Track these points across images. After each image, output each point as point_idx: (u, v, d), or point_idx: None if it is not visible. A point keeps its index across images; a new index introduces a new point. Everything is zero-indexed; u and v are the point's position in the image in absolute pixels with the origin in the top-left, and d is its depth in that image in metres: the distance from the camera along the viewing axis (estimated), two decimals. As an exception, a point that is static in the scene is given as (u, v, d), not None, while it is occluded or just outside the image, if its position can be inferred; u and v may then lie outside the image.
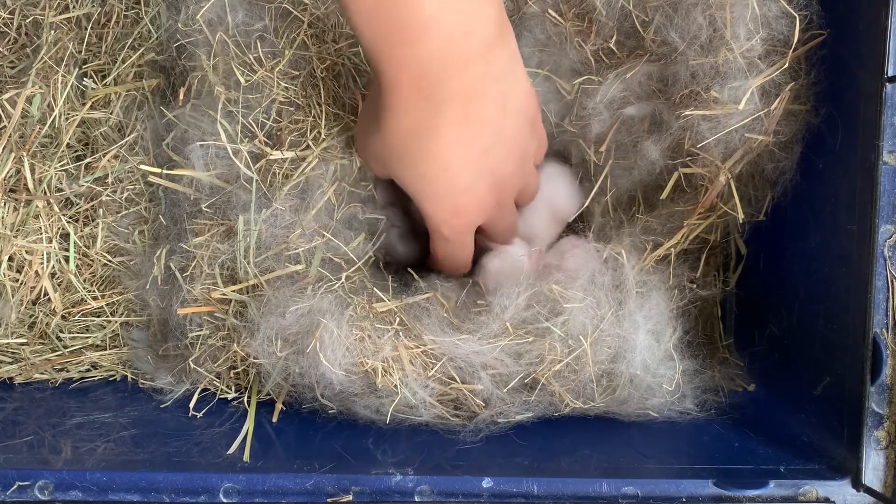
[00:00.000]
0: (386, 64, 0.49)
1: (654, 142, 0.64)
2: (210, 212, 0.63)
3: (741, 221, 0.61)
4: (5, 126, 0.68)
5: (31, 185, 0.68)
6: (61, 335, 0.69)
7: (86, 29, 0.71)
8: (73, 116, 0.69)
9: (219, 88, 0.62)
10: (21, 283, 0.68)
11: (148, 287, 0.67)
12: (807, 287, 0.60)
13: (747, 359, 0.68)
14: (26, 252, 0.68)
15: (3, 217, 0.68)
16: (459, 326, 0.57)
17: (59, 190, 0.69)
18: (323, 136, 0.62)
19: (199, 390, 0.64)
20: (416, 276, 0.63)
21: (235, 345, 0.60)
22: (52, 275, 0.69)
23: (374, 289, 0.60)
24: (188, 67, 0.65)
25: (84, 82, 0.70)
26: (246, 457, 0.55)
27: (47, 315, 0.69)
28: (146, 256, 0.68)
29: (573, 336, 0.56)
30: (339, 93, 0.64)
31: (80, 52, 0.70)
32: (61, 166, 0.69)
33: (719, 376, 0.65)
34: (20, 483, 0.52)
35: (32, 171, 0.68)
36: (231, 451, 0.56)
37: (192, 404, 0.63)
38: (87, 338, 0.70)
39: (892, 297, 0.52)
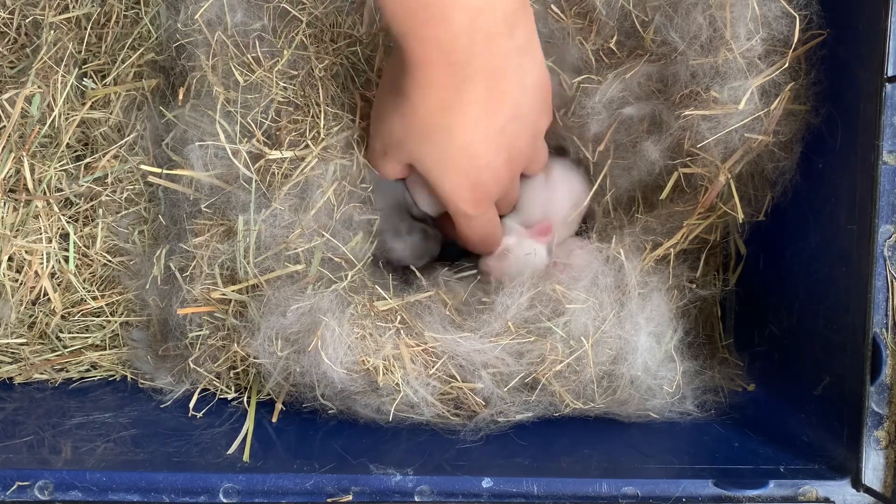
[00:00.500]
0: (414, 41, 0.50)
1: (653, 142, 0.64)
2: (210, 212, 0.63)
3: (741, 221, 0.61)
4: (5, 126, 0.68)
5: (30, 185, 0.68)
6: (61, 335, 0.69)
7: (85, 29, 0.71)
8: (72, 116, 0.69)
9: (218, 89, 0.62)
10: (21, 283, 0.68)
11: (148, 287, 0.67)
12: (807, 287, 0.60)
13: (747, 359, 0.68)
14: (26, 252, 0.68)
15: (2, 217, 0.68)
16: (461, 324, 0.57)
17: (59, 190, 0.69)
18: (322, 135, 0.62)
19: (198, 390, 0.64)
20: (418, 274, 0.63)
21: (235, 345, 0.60)
22: (52, 275, 0.69)
23: (376, 287, 0.60)
24: (187, 67, 0.65)
25: (84, 82, 0.70)
26: (246, 457, 0.55)
27: (47, 315, 0.69)
28: (146, 256, 0.68)
29: (575, 337, 0.56)
30: (338, 92, 0.64)
31: (79, 52, 0.70)
32: (61, 166, 0.69)
33: (719, 376, 0.65)
34: (20, 483, 0.52)
35: (32, 171, 0.68)
36: (231, 451, 0.56)
37: (191, 404, 0.63)
38: (86, 338, 0.70)
39: (892, 297, 0.52)
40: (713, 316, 0.71)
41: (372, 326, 0.56)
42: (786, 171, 0.61)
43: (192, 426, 0.60)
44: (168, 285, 0.65)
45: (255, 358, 0.59)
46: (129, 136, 0.69)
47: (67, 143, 0.69)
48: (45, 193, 0.68)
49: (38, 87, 0.69)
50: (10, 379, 0.69)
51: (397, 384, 0.56)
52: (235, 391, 0.64)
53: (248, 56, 0.63)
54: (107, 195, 0.69)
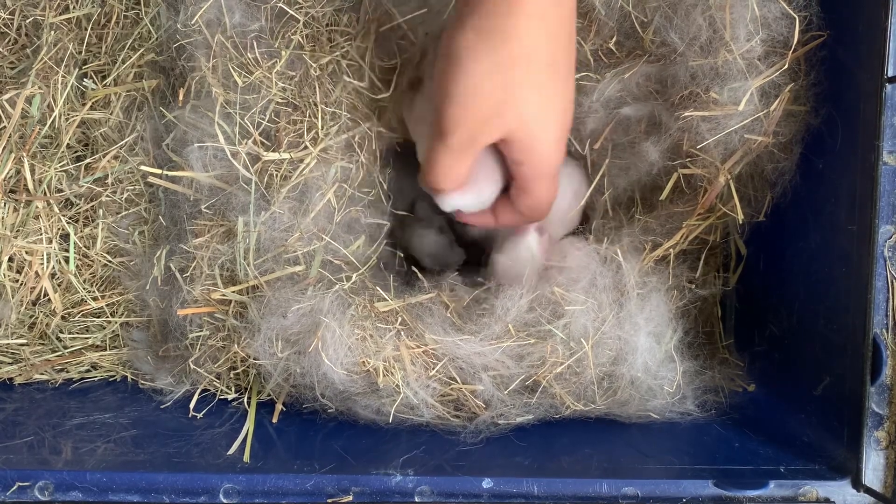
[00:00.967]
0: None
1: (652, 143, 0.64)
2: (210, 213, 0.63)
3: (741, 222, 0.62)
4: (5, 126, 0.68)
5: (31, 186, 0.68)
6: (61, 336, 0.69)
7: (86, 29, 0.71)
8: (72, 117, 0.69)
9: (217, 90, 0.62)
10: (21, 284, 0.68)
11: (148, 288, 0.67)
12: (807, 287, 0.60)
13: (747, 359, 0.68)
14: (26, 252, 0.68)
15: (3, 218, 0.68)
16: (462, 327, 0.57)
17: (59, 190, 0.69)
18: (321, 136, 0.62)
19: (199, 391, 0.64)
20: (420, 276, 0.63)
21: (236, 345, 0.60)
22: (52, 275, 0.69)
23: (377, 288, 0.60)
24: (187, 68, 0.65)
25: (84, 83, 0.70)
26: (246, 457, 0.55)
27: (47, 315, 0.69)
28: (146, 257, 0.68)
29: (574, 338, 0.56)
30: (336, 93, 0.64)
31: (80, 52, 0.70)
32: (61, 167, 0.69)
33: (719, 377, 0.65)
34: (20, 484, 0.52)
35: (32, 171, 0.68)
36: (231, 451, 0.56)
37: (192, 405, 0.63)
38: (87, 338, 0.70)
39: (892, 298, 0.52)
40: (713, 316, 0.71)
41: (372, 328, 0.56)
42: (786, 171, 0.61)
43: (192, 427, 0.60)
44: (168, 286, 0.65)
45: (255, 359, 0.59)
46: (129, 136, 0.69)
47: (68, 144, 0.69)
48: (45, 194, 0.68)
49: (39, 87, 0.69)
50: (11, 379, 0.69)
51: (397, 385, 0.56)
52: (236, 392, 0.64)
53: (247, 57, 0.63)
54: (107, 196, 0.69)
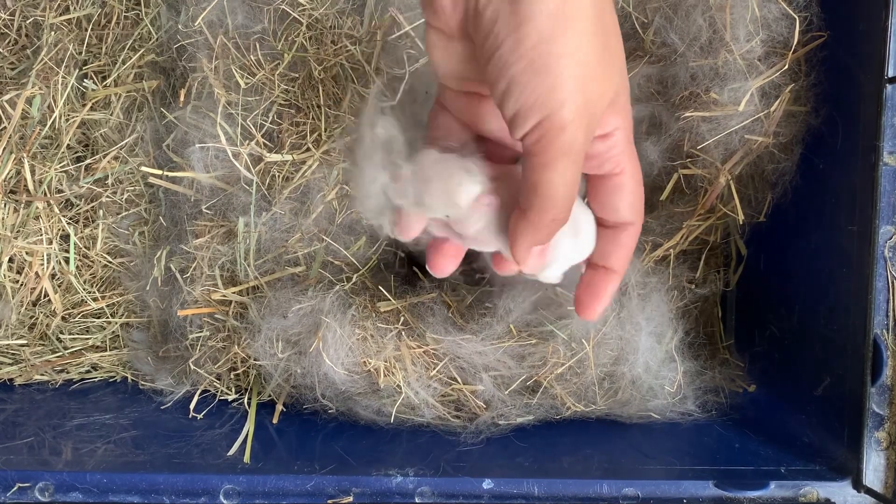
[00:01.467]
0: None
1: (652, 143, 0.64)
2: (210, 213, 0.63)
3: (741, 222, 0.62)
4: (5, 127, 0.68)
5: (31, 187, 0.68)
6: (61, 336, 0.69)
7: (86, 30, 0.71)
8: (73, 117, 0.69)
9: (219, 91, 0.62)
10: (21, 285, 0.68)
11: (148, 288, 0.67)
12: (807, 288, 0.60)
13: (748, 359, 0.68)
14: (26, 253, 0.68)
15: (3, 218, 0.68)
16: (463, 327, 0.57)
17: (60, 191, 0.69)
18: (323, 138, 0.62)
19: (199, 392, 0.64)
20: (421, 276, 0.63)
21: (236, 346, 0.60)
22: (53, 276, 0.69)
23: (380, 287, 0.60)
24: (188, 69, 0.65)
25: (84, 83, 0.70)
26: (246, 458, 0.55)
27: (47, 316, 0.69)
28: (146, 258, 0.68)
29: (576, 339, 0.56)
30: (339, 95, 0.64)
31: (80, 53, 0.70)
32: (61, 167, 0.69)
33: (720, 377, 0.65)
34: (21, 484, 0.51)
35: (32, 172, 0.68)
36: (231, 452, 0.56)
37: (192, 406, 0.63)
38: (87, 339, 0.70)
39: (893, 298, 0.52)
40: (714, 316, 0.71)
41: (373, 328, 0.57)
42: (786, 172, 0.61)
43: (192, 427, 0.60)
44: (168, 286, 0.65)
45: (255, 359, 0.59)
46: (129, 137, 0.69)
47: (68, 145, 0.69)
48: (45, 194, 0.68)
49: (39, 88, 0.69)
50: (11, 380, 0.69)
51: (398, 385, 0.56)
52: (236, 392, 0.64)
53: (250, 58, 0.63)
54: (107, 196, 0.69)
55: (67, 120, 0.69)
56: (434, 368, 0.56)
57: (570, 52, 0.38)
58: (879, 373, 0.52)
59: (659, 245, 0.62)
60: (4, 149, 0.68)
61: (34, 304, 0.69)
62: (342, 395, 0.57)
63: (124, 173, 0.70)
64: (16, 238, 0.68)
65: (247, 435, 0.58)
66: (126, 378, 0.70)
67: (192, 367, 0.63)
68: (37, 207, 0.68)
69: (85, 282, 0.70)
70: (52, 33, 0.70)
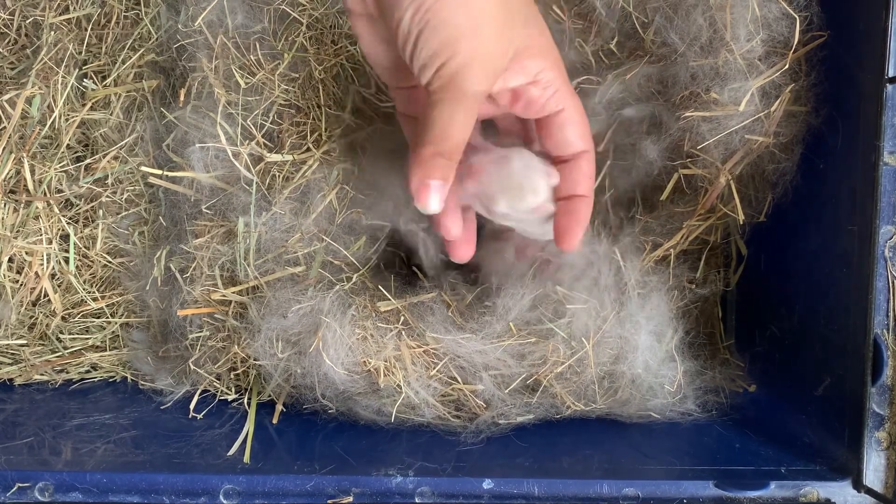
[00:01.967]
0: None
1: (652, 142, 0.64)
2: (210, 213, 0.63)
3: (741, 222, 0.62)
4: (5, 127, 0.67)
5: (31, 186, 0.68)
6: (61, 336, 0.69)
7: (86, 30, 0.71)
8: (72, 117, 0.69)
9: (219, 91, 0.62)
10: (21, 285, 0.68)
11: (148, 288, 0.67)
12: (807, 288, 0.60)
13: (748, 359, 0.68)
14: (26, 253, 0.68)
15: (3, 218, 0.68)
16: (463, 326, 0.57)
17: (59, 191, 0.69)
18: (324, 138, 0.62)
19: (199, 392, 0.64)
20: (420, 275, 0.63)
21: (236, 346, 0.60)
22: (52, 276, 0.69)
23: (380, 287, 0.60)
24: (188, 69, 0.65)
25: (84, 83, 0.70)
26: (246, 458, 0.55)
27: (47, 316, 0.69)
28: (146, 257, 0.68)
29: (576, 337, 0.56)
30: (340, 95, 0.64)
31: (80, 52, 0.70)
32: (61, 167, 0.69)
33: (720, 377, 0.65)
34: (20, 485, 0.51)
35: (32, 172, 0.68)
36: (231, 452, 0.56)
37: (192, 406, 0.63)
38: (87, 339, 0.70)
39: (893, 298, 0.52)
40: (714, 316, 0.71)
41: (373, 328, 0.57)
42: (786, 172, 0.61)
43: (192, 427, 0.60)
44: (168, 286, 0.65)
45: (255, 359, 0.59)
46: (129, 137, 0.69)
47: (68, 144, 0.69)
48: (45, 194, 0.68)
49: (39, 88, 0.68)
50: (11, 380, 0.69)
51: (398, 385, 0.56)
52: (236, 392, 0.64)
53: (250, 58, 0.63)
54: (107, 196, 0.69)
55: (67, 120, 0.69)
56: (434, 368, 0.56)
57: (464, 8, 0.43)
58: (880, 373, 0.52)
59: (659, 245, 0.62)
60: (4, 148, 0.68)
61: (34, 304, 0.69)
62: (342, 395, 0.57)
63: (124, 173, 0.70)
64: (15, 238, 0.68)
65: (247, 435, 0.58)
66: (126, 378, 0.70)
67: (192, 367, 0.63)
68: (36, 207, 0.68)
69: (85, 282, 0.70)
70: (52, 33, 0.70)
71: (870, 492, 0.52)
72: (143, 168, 0.68)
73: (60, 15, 0.71)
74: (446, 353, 0.56)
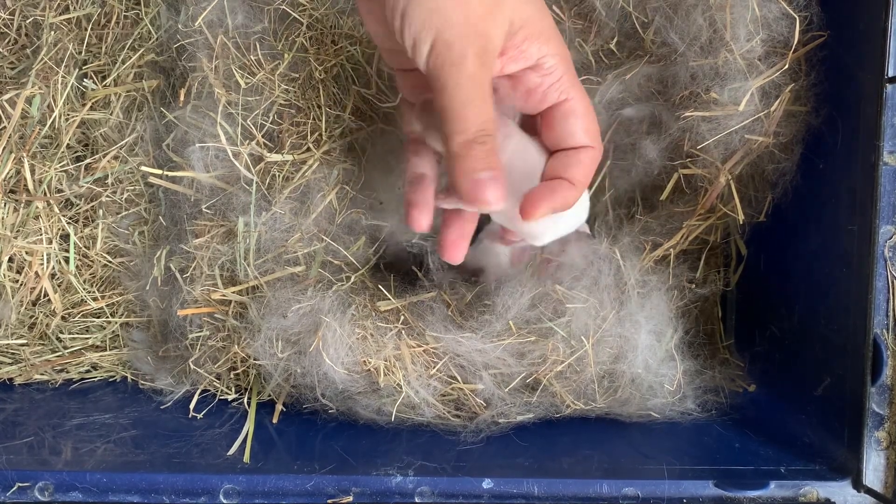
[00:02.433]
0: None
1: (652, 142, 0.64)
2: (210, 213, 0.63)
3: (741, 222, 0.62)
4: (5, 127, 0.67)
5: (31, 186, 0.68)
6: (61, 336, 0.69)
7: (86, 30, 0.71)
8: (72, 117, 0.69)
9: (219, 91, 0.62)
10: (21, 284, 0.68)
11: (148, 288, 0.67)
12: (807, 288, 0.60)
13: (748, 359, 0.68)
14: (26, 253, 0.68)
15: (3, 218, 0.68)
16: (463, 324, 0.57)
17: (59, 191, 0.69)
18: (324, 138, 0.62)
19: (199, 391, 0.64)
20: (420, 275, 0.63)
21: (236, 346, 0.60)
22: (52, 275, 0.69)
23: (379, 286, 0.60)
24: (188, 69, 0.65)
25: (84, 83, 0.70)
26: (246, 458, 0.55)
27: (47, 316, 0.69)
28: (146, 257, 0.68)
29: (575, 336, 0.56)
30: (340, 95, 0.64)
31: (80, 52, 0.70)
32: (61, 167, 0.69)
33: (720, 377, 0.65)
34: (20, 484, 0.51)
35: (32, 171, 0.68)
36: (231, 452, 0.56)
37: (192, 405, 0.63)
38: (87, 339, 0.70)
39: (893, 298, 0.52)
40: (714, 316, 0.71)
41: (373, 327, 0.57)
42: (786, 172, 0.61)
43: (192, 427, 0.60)
44: (168, 286, 0.65)
45: (255, 359, 0.59)
46: (129, 136, 0.69)
47: (68, 144, 0.69)
48: (45, 194, 0.68)
49: (39, 87, 0.68)
50: (11, 380, 0.69)
51: (398, 385, 0.56)
52: (236, 392, 0.64)
53: (250, 58, 0.63)
54: (107, 196, 0.69)
55: (67, 119, 0.69)
56: (434, 367, 0.56)
57: None
58: (879, 373, 0.52)
59: (659, 245, 0.62)
60: (4, 148, 0.68)
61: (34, 304, 0.69)
62: (342, 395, 0.57)
63: (124, 173, 0.70)
64: (15, 238, 0.68)
65: (247, 435, 0.58)
66: (126, 378, 0.70)
67: (192, 366, 0.63)
68: (36, 207, 0.68)
69: (85, 281, 0.70)
70: (52, 33, 0.70)
71: (869, 491, 0.52)
72: (143, 168, 0.68)
73: (60, 15, 0.71)
74: (446, 352, 0.56)
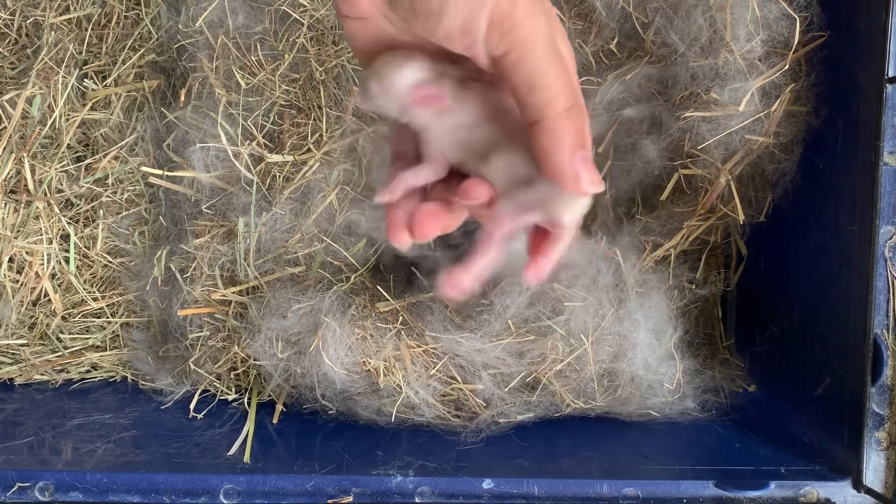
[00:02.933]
0: None
1: (652, 142, 0.64)
2: (210, 213, 0.63)
3: (741, 222, 0.62)
4: (6, 127, 0.67)
5: (31, 186, 0.68)
6: (61, 336, 0.69)
7: (86, 30, 0.71)
8: (73, 117, 0.69)
9: (220, 91, 0.62)
10: (21, 284, 0.68)
11: (148, 288, 0.67)
12: (807, 288, 0.60)
13: (748, 359, 0.68)
14: (26, 253, 0.68)
15: (3, 218, 0.68)
16: (462, 324, 0.57)
17: (60, 191, 0.69)
18: (324, 139, 0.62)
19: (199, 391, 0.64)
20: (419, 275, 0.63)
21: (236, 346, 0.60)
22: (53, 276, 0.69)
23: (378, 287, 0.60)
24: (189, 69, 0.65)
25: (84, 83, 0.70)
26: (246, 458, 0.55)
27: (47, 316, 0.69)
28: (146, 257, 0.68)
29: (575, 335, 0.56)
30: (340, 96, 0.64)
31: (80, 52, 0.70)
32: (61, 167, 0.69)
33: (720, 377, 0.65)
34: (20, 484, 0.51)
35: (33, 171, 0.68)
36: (231, 452, 0.56)
37: (192, 405, 0.63)
38: (87, 339, 0.70)
39: (893, 298, 0.52)
40: (714, 316, 0.71)
41: (373, 327, 0.57)
42: (786, 172, 0.61)
43: (192, 427, 0.60)
44: (168, 286, 0.65)
45: (255, 359, 0.59)
46: (129, 137, 0.69)
47: (68, 144, 0.69)
48: (45, 194, 0.68)
49: (39, 88, 0.69)
50: (11, 380, 0.69)
51: (398, 385, 0.56)
52: (236, 392, 0.64)
53: (251, 58, 0.63)
54: (107, 196, 0.69)
55: (67, 120, 0.69)
56: (434, 367, 0.56)
57: None
58: (880, 373, 0.52)
59: (659, 245, 0.62)
60: (4, 148, 0.68)
61: (34, 304, 0.69)
62: (342, 395, 0.57)
63: (124, 173, 0.70)
64: (16, 238, 0.68)
65: (247, 435, 0.58)
66: (126, 378, 0.70)
67: (192, 366, 0.62)
68: (37, 207, 0.68)
69: (85, 282, 0.70)
70: (53, 33, 0.70)
71: (870, 492, 0.52)
72: (144, 168, 0.68)
73: (61, 15, 0.71)
74: (445, 352, 0.56)
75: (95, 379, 0.70)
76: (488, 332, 0.56)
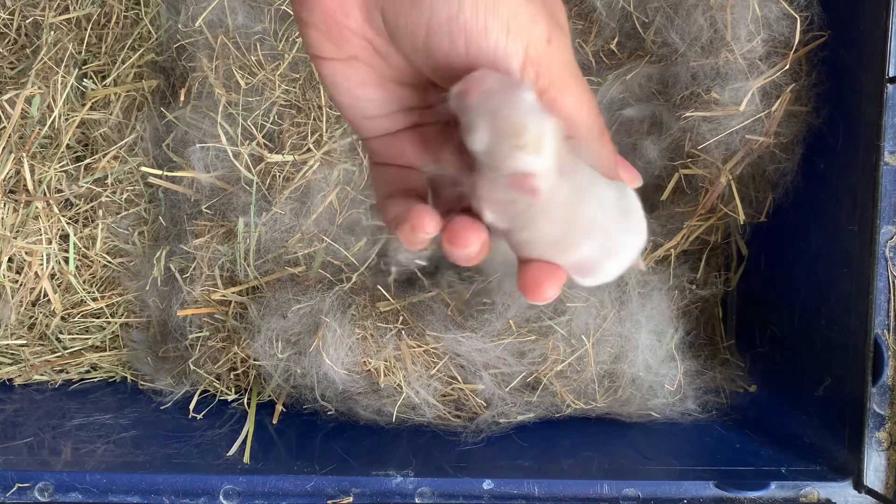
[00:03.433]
0: None
1: (653, 142, 0.64)
2: (210, 213, 0.63)
3: (742, 223, 0.61)
4: (5, 127, 0.67)
5: (30, 186, 0.68)
6: (61, 336, 0.69)
7: (86, 30, 0.71)
8: (72, 117, 0.69)
9: (219, 91, 0.62)
10: (21, 285, 0.68)
11: (148, 288, 0.67)
12: (808, 288, 0.60)
13: (748, 360, 0.68)
14: (26, 253, 0.68)
15: (2, 218, 0.68)
16: (463, 324, 0.57)
17: (59, 191, 0.69)
18: (325, 139, 0.62)
19: (198, 392, 0.64)
20: (420, 275, 0.63)
21: (236, 346, 0.60)
22: (52, 276, 0.69)
23: (379, 286, 0.60)
24: (188, 69, 0.65)
25: (84, 83, 0.70)
26: (246, 458, 0.55)
27: (47, 316, 0.69)
28: (146, 257, 0.68)
29: (576, 335, 0.56)
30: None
31: (79, 52, 0.70)
32: (61, 167, 0.69)
33: (720, 377, 0.65)
34: (20, 485, 0.51)
35: (32, 171, 0.68)
36: (231, 452, 0.56)
37: (192, 406, 0.63)
38: (86, 339, 0.70)
39: (894, 299, 0.52)
40: (714, 317, 0.71)
41: (373, 327, 0.56)
42: (787, 172, 0.61)
43: (192, 428, 0.60)
44: (168, 286, 0.65)
45: (255, 359, 0.59)
46: (129, 136, 0.69)
47: (67, 144, 0.69)
48: (45, 194, 0.68)
49: (39, 87, 0.68)
50: (10, 380, 0.69)
51: (399, 385, 0.56)
52: (236, 393, 0.64)
53: (250, 58, 0.63)
54: (107, 196, 0.69)
55: (67, 119, 0.69)
56: (434, 367, 0.56)
57: None
58: (880, 373, 0.52)
59: (659, 245, 0.62)
60: (4, 148, 0.67)
61: (34, 304, 0.69)
62: (342, 395, 0.57)
63: (124, 173, 0.69)
64: (15, 238, 0.67)
65: (246, 435, 0.58)
66: (126, 378, 0.70)
67: (192, 367, 0.62)
68: (36, 207, 0.68)
69: (84, 282, 0.70)
70: (52, 33, 0.70)
71: (870, 492, 0.52)
72: (143, 168, 0.68)
73: (60, 15, 0.71)
74: (446, 351, 0.56)
75: (95, 379, 0.70)
76: (489, 332, 0.56)
